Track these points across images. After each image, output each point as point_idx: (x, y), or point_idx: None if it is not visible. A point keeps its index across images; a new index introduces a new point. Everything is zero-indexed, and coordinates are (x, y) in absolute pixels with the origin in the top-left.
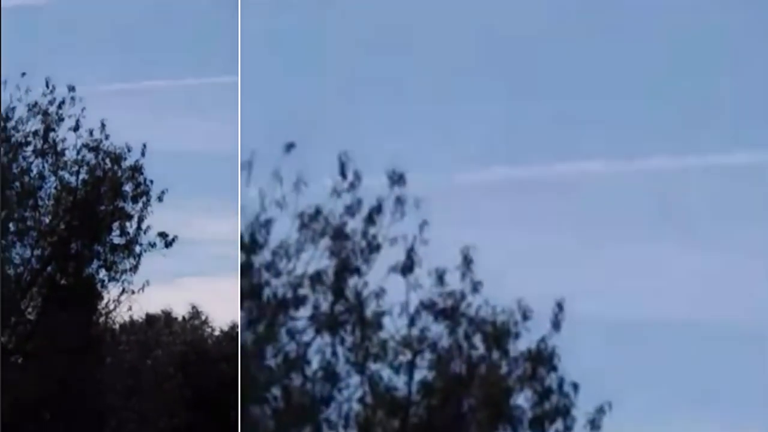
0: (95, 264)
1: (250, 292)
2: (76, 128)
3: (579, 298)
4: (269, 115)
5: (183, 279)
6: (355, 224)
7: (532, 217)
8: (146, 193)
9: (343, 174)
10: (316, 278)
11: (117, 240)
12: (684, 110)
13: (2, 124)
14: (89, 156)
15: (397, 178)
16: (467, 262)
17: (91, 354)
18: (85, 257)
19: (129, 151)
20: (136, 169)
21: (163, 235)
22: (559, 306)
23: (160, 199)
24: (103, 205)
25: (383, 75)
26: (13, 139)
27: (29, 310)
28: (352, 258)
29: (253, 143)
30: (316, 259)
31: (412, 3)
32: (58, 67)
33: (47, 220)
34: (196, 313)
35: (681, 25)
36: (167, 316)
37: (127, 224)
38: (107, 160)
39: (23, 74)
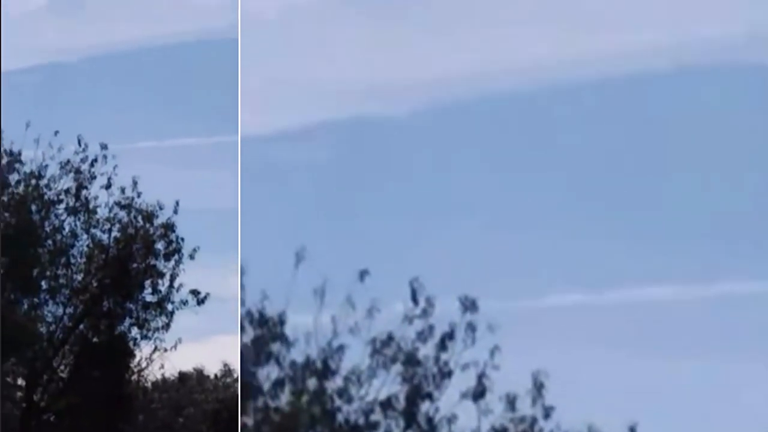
0: (127, 322)
1: (323, 418)
2: (108, 186)
3: (651, 424)
4: (341, 242)
5: (215, 337)
6: (427, 350)
7: (603, 342)
8: (178, 250)
9: (415, 300)
10: (388, 404)
11: (149, 298)
12: (754, 235)
13: (35, 182)
14: (121, 214)
15: (469, 304)
16: (538, 387)
17: (124, 412)
18: (117, 315)
19: (161, 208)
20: (168, 226)
21: (195, 292)
22: (632, 431)
23: (191, 256)
24: (135, 263)
25: (454, 199)
26: (45, 197)
27: (61, 367)
28: (424, 384)
29: (326, 269)
30: (388, 384)
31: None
32: (91, 126)
33: (79, 278)
34: (228, 371)
35: (751, 150)
36: (199, 373)
37: (159, 282)
38: (139, 218)
39: (56, 132)
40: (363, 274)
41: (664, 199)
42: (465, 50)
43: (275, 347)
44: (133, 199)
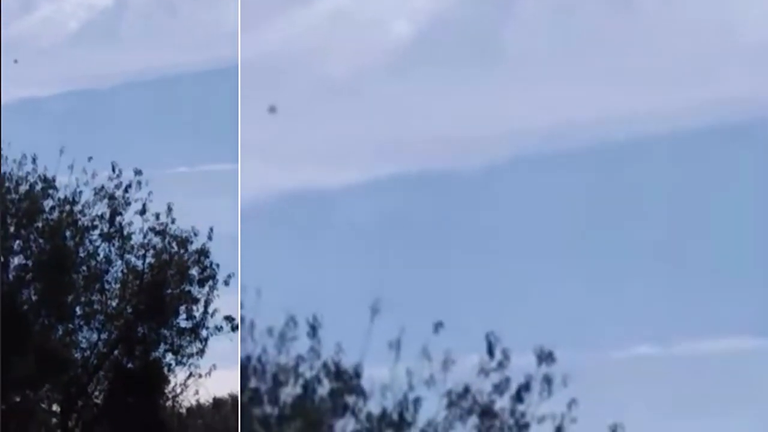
0: (162, 348)
1: None
2: (142, 212)
3: None
4: (416, 294)
5: None
6: (503, 402)
7: (681, 397)
8: (213, 276)
9: (491, 352)
10: None
11: (184, 324)
12: None
13: (69, 208)
14: (156, 240)
15: (545, 356)
16: None
17: None
18: (152, 341)
19: (195, 234)
20: (203, 252)
21: (229, 318)
22: None
23: (226, 282)
24: (169, 289)
25: (529, 252)
26: (79, 223)
27: (96, 393)
28: None
29: (401, 321)
30: None
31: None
32: (124, 152)
33: (114, 304)
34: None
35: None
36: (234, 399)
37: (194, 308)
38: (174, 244)
39: (90, 158)
40: (438, 326)
41: (740, 250)
42: (539, 103)
43: (351, 400)
44: (167, 225)
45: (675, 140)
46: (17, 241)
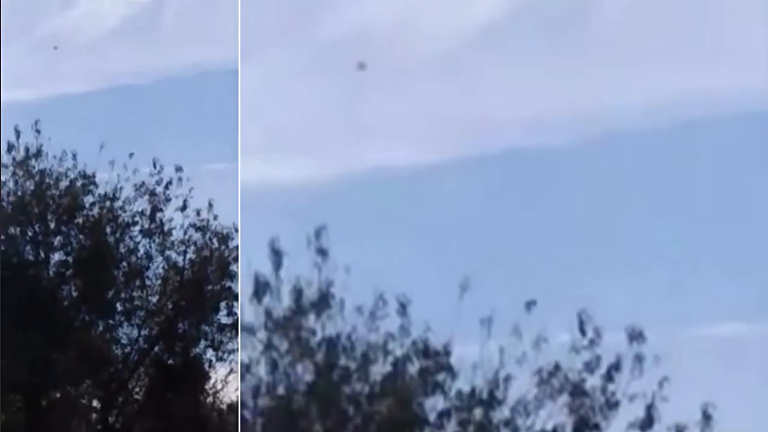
0: (203, 344)
1: None
2: (183, 208)
3: None
4: (507, 273)
5: None
6: (594, 381)
7: None
8: None
9: (583, 331)
10: None
11: (224, 320)
12: None
13: (109, 204)
14: (196, 236)
15: (636, 335)
16: (707, 418)
17: None
18: (192, 337)
19: (236, 230)
20: None
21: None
22: None
23: None
24: (210, 285)
25: (621, 230)
26: (120, 219)
27: (136, 390)
28: (591, 415)
29: (493, 299)
30: (555, 415)
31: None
32: (165, 148)
33: (154, 300)
34: None
35: None
36: None
37: (234, 304)
38: (214, 240)
39: (131, 155)
40: (530, 305)
41: None
42: (630, 80)
43: (441, 378)
44: (208, 221)
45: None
46: (58, 238)
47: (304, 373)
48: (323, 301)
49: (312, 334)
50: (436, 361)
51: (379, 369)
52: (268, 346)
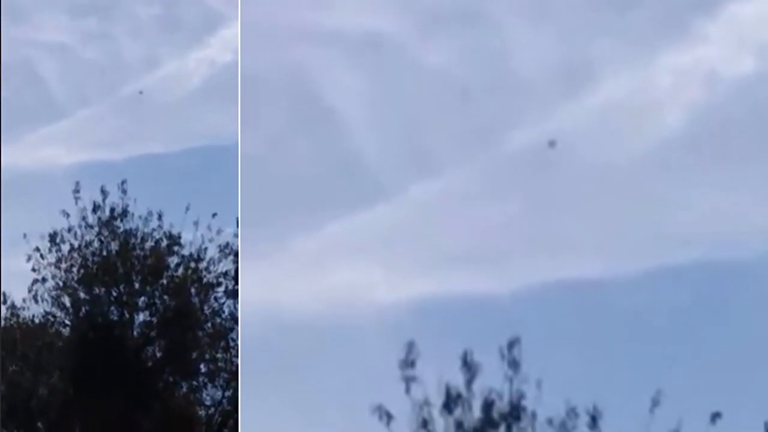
0: None
1: None
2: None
3: None
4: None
5: None
6: None
7: None
8: None
9: None
10: None
11: None
12: None
13: (194, 264)
14: None
15: None
16: None
17: None
18: None
19: None
20: None
21: None
22: None
23: None
24: None
25: None
26: (204, 280)
27: None
28: None
29: (681, 412)
30: None
31: None
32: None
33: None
34: None
35: None
36: None
37: None
38: None
39: (214, 215)
40: (715, 417)
41: None
42: None
43: None
44: None
45: None
46: (142, 298)
47: None
48: (514, 414)
49: None
50: None
51: None
52: None
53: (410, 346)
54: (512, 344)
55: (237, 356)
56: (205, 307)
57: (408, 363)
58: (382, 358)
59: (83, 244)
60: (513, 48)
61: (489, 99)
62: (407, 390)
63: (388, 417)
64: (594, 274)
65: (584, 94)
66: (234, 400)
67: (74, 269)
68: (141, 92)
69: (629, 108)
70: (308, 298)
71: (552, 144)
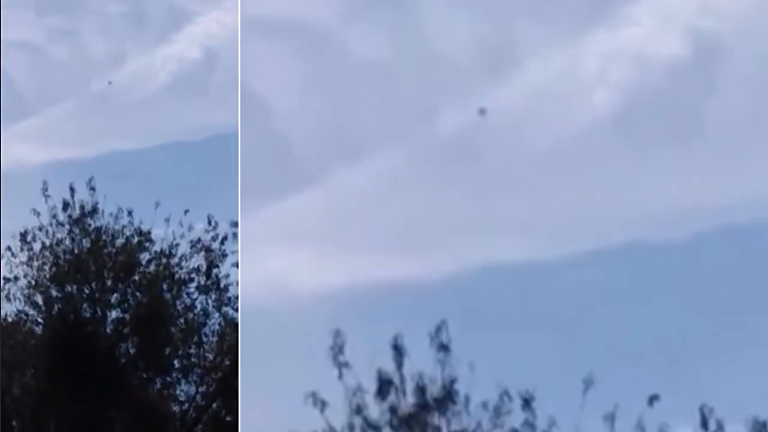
0: None
1: None
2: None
3: None
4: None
5: None
6: None
7: None
8: None
9: (705, 424)
10: None
11: None
12: None
13: (166, 260)
14: None
15: (759, 427)
16: None
17: None
18: None
19: None
20: None
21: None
22: None
23: None
24: None
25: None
26: (176, 276)
27: None
28: None
29: (616, 394)
30: None
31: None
32: (220, 204)
33: (211, 357)
34: None
35: None
36: None
37: None
38: None
39: (186, 211)
40: (652, 399)
41: None
42: (748, 173)
43: None
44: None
45: None
46: (114, 295)
47: None
48: (448, 398)
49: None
50: None
51: None
52: None
53: (337, 334)
54: (440, 328)
55: (210, 352)
56: (178, 303)
57: (336, 349)
58: (314, 345)
59: (54, 242)
60: (438, 31)
61: (415, 83)
62: (340, 376)
63: (323, 404)
64: (524, 257)
65: (512, 76)
66: (207, 396)
67: (46, 267)
68: (110, 82)
69: (557, 90)
70: (241, 284)
71: (482, 112)
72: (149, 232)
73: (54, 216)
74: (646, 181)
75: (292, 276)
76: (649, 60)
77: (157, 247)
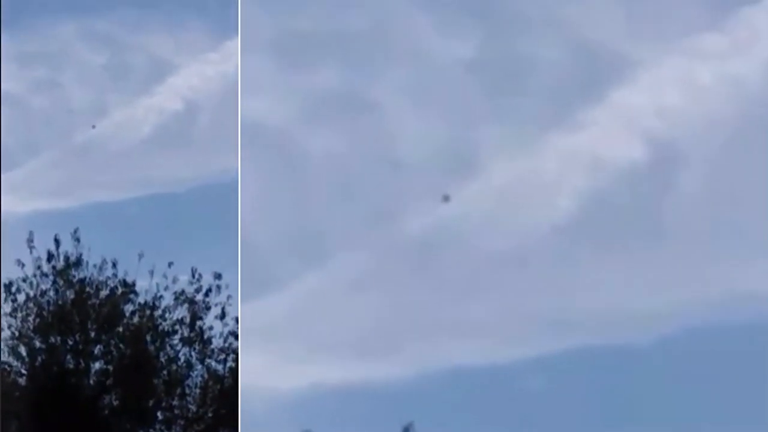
0: None
1: None
2: (222, 316)
3: None
4: None
5: None
6: None
7: None
8: None
9: None
10: None
11: None
12: None
13: (149, 312)
14: (236, 344)
15: None
16: None
17: None
18: None
19: None
20: None
21: None
22: None
23: None
24: None
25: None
26: (160, 328)
27: None
28: None
29: None
30: None
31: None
32: (203, 256)
33: (194, 409)
34: None
35: None
36: None
37: None
38: None
39: (170, 264)
40: None
41: None
42: (706, 274)
43: None
44: None
45: None
46: (98, 346)
47: None
48: None
49: None
50: None
51: None
52: None
53: None
54: (407, 430)
55: (193, 403)
56: (161, 355)
57: None
58: None
59: (38, 293)
60: (400, 133)
61: (379, 186)
62: None
63: None
64: (488, 360)
65: (474, 178)
66: None
67: (30, 318)
68: (94, 126)
69: (518, 192)
70: None
71: (446, 198)
72: (133, 284)
73: (38, 267)
74: (606, 285)
75: (258, 378)
76: (608, 162)
77: (141, 299)
